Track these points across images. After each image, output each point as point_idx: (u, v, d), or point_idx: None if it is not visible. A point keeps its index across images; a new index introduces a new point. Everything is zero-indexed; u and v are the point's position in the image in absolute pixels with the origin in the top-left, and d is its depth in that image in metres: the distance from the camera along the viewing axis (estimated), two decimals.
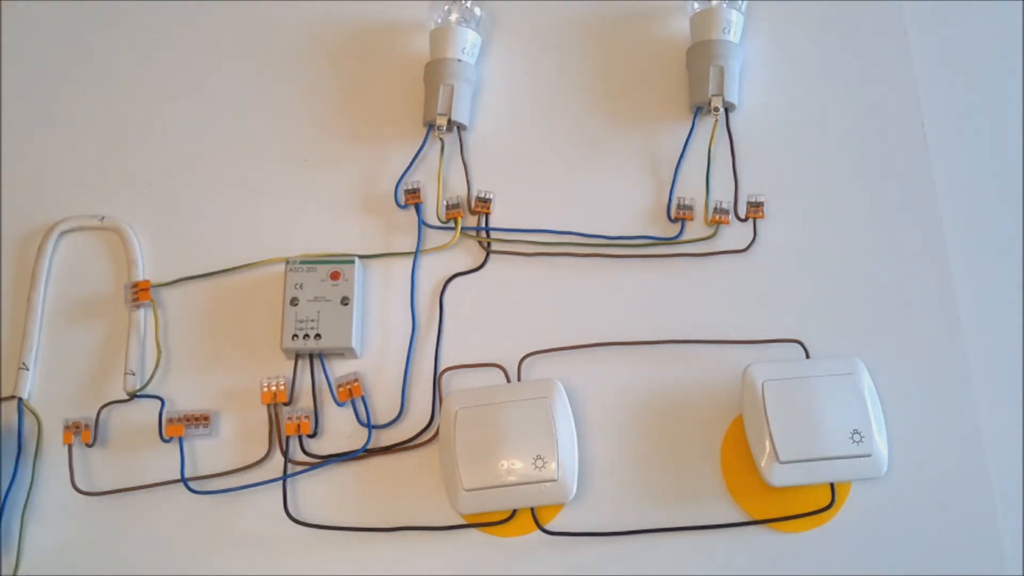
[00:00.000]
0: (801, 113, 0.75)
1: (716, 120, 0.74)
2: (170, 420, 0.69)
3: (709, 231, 0.72)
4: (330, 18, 0.81)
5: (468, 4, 0.77)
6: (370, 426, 0.69)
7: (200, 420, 0.69)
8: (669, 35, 0.78)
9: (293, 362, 0.70)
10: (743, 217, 0.72)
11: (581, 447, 0.66)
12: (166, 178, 0.77)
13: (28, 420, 0.71)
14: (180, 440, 0.69)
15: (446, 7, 0.77)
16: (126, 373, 0.71)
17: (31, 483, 0.69)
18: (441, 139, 0.76)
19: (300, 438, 0.69)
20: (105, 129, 0.79)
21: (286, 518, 0.67)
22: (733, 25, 0.74)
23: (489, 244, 0.73)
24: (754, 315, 0.70)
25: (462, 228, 0.73)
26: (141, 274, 0.74)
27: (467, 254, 0.73)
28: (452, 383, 0.70)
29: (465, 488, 0.64)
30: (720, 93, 0.72)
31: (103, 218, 0.76)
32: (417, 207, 0.74)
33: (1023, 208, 0.72)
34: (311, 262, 0.71)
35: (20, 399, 0.71)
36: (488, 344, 0.70)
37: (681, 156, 0.74)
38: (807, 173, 0.73)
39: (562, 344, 0.69)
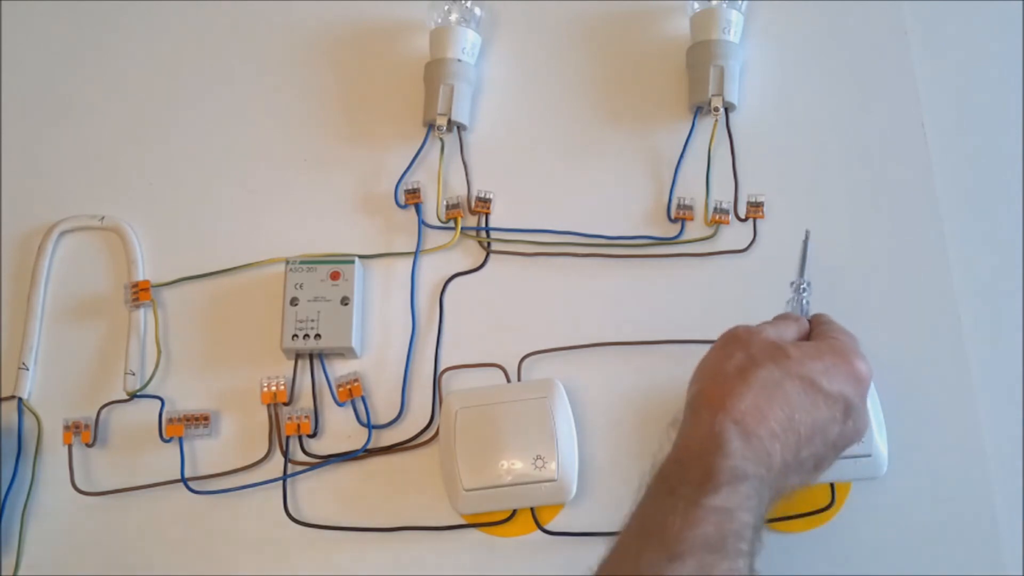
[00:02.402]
0: (801, 113, 0.75)
1: (716, 120, 0.74)
2: (170, 420, 0.69)
3: (709, 231, 0.72)
4: (330, 18, 0.81)
5: (468, 4, 0.77)
6: (370, 426, 0.69)
7: (200, 420, 0.69)
8: (669, 35, 0.78)
9: (293, 362, 0.70)
10: (743, 217, 0.72)
11: (581, 447, 0.66)
12: (166, 178, 0.77)
13: (28, 420, 0.71)
14: (180, 440, 0.69)
15: (446, 7, 0.77)
16: (126, 373, 0.71)
17: (31, 483, 0.69)
18: (441, 139, 0.76)
19: (300, 438, 0.69)
20: (105, 129, 0.79)
21: (286, 518, 0.67)
22: (733, 25, 0.74)
23: (489, 244, 0.73)
24: (754, 315, 0.69)
25: (462, 228, 0.73)
26: (141, 274, 0.74)
27: (467, 254, 0.73)
28: (452, 383, 0.70)
29: (465, 488, 0.64)
30: (720, 93, 0.72)
31: (103, 218, 0.76)
32: (417, 207, 0.74)
33: (1023, 208, 0.72)
34: (311, 262, 0.71)
35: (20, 399, 0.71)
36: (488, 344, 0.70)
37: (681, 156, 0.74)
38: (807, 173, 0.73)
39: (562, 344, 0.69)
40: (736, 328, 0.57)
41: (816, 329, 0.59)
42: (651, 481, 0.52)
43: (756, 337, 0.55)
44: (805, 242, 0.64)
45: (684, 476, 0.50)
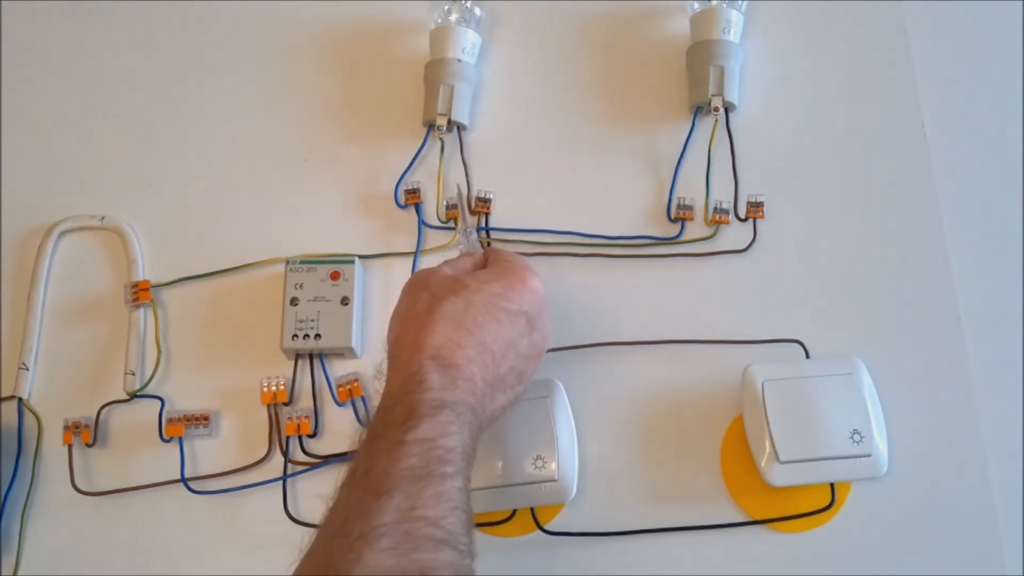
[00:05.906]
0: (801, 113, 0.75)
1: (716, 120, 0.74)
2: (170, 420, 0.69)
3: (709, 231, 0.72)
4: (330, 18, 0.81)
5: (468, 4, 0.77)
6: None
7: (200, 420, 0.69)
8: (669, 35, 0.78)
9: (293, 362, 0.70)
10: (743, 217, 0.72)
11: (581, 447, 0.66)
12: (166, 178, 0.77)
13: (28, 420, 0.71)
14: (180, 440, 0.69)
15: (446, 7, 0.77)
16: (126, 373, 0.71)
17: (31, 483, 0.69)
18: (441, 139, 0.76)
19: (300, 438, 0.69)
20: (105, 129, 0.79)
21: (286, 518, 0.67)
22: (733, 25, 0.74)
23: (489, 244, 0.73)
24: (754, 315, 0.70)
25: None
26: (141, 274, 0.74)
27: None
28: None
29: None
30: (720, 93, 0.72)
31: (103, 218, 0.76)
32: (417, 207, 0.74)
33: (1023, 208, 0.72)
34: (311, 262, 0.71)
35: (20, 399, 0.71)
36: None
37: (681, 156, 0.74)
38: (807, 173, 0.73)
39: (562, 344, 0.69)
40: (416, 273, 0.61)
41: (489, 259, 0.63)
42: (362, 434, 0.54)
43: (435, 276, 0.59)
44: (460, 195, 0.72)
45: (389, 420, 0.52)
